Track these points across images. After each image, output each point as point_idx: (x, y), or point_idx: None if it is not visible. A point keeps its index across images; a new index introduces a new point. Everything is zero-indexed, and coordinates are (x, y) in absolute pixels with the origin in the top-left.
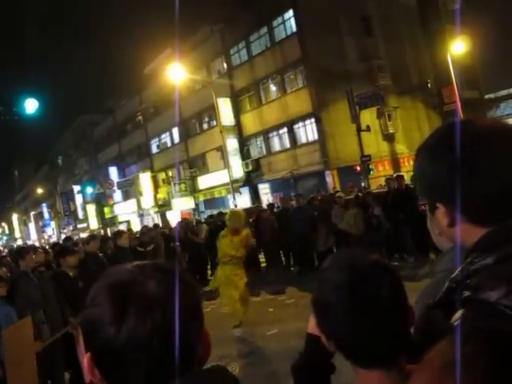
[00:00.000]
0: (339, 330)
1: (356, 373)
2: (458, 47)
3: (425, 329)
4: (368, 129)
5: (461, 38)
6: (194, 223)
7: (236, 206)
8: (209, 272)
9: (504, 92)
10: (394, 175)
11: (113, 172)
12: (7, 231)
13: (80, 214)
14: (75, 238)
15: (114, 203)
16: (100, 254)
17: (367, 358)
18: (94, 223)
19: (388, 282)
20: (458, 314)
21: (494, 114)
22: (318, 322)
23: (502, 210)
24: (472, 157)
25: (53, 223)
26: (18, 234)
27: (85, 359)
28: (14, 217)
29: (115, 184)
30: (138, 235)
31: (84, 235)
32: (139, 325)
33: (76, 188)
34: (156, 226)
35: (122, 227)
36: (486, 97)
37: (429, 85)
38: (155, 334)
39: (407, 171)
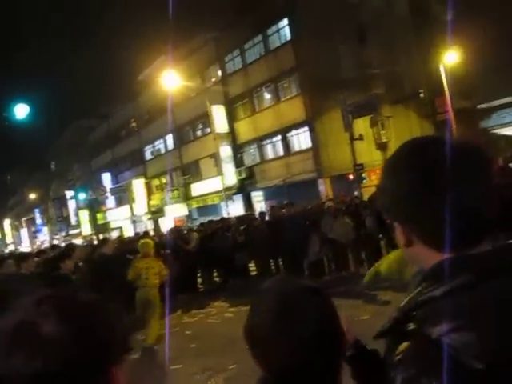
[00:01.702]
0: (267, 354)
1: None
2: (451, 57)
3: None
4: (361, 137)
5: (453, 49)
6: (185, 231)
7: (229, 213)
8: (199, 280)
9: (496, 102)
10: None
11: (106, 178)
12: None
13: (73, 220)
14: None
15: (107, 209)
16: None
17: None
18: (86, 229)
19: (315, 307)
20: (403, 346)
21: (486, 124)
22: (249, 346)
23: (459, 236)
24: (429, 178)
25: (45, 229)
26: (9, 240)
27: None
28: (6, 222)
29: (108, 190)
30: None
31: (77, 241)
32: (23, 367)
33: (69, 194)
34: (146, 233)
35: (115, 234)
36: (479, 107)
37: (421, 94)
38: (36, 379)
39: None
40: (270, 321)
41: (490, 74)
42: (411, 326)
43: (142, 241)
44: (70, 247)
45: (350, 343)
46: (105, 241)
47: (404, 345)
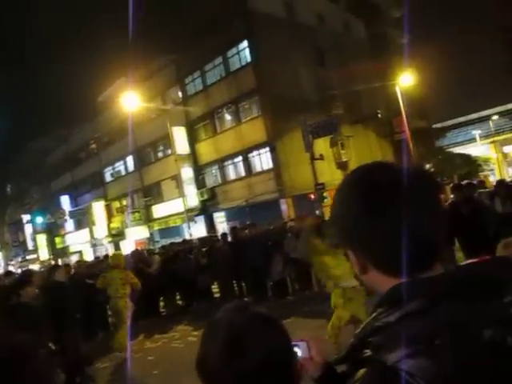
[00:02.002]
0: None
1: None
2: (407, 79)
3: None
4: (321, 157)
5: (409, 71)
6: (146, 254)
7: (191, 234)
8: (161, 304)
9: (450, 122)
10: None
11: (65, 201)
12: None
13: (29, 245)
14: (18, 270)
15: (66, 233)
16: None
17: None
18: (44, 254)
19: (265, 338)
20: (360, 373)
21: (441, 143)
22: (200, 378)
23: (409, 261)
24: (376, 205)
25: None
26: None
27: None
28: None
29: (67, 213)
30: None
31: (34, 266)
32: None
33: (26, 217)
34: (107, 256)
35: (74, 258)
36: (434, 126)
37: (379, 115)
38: None
39: None
40: (218, 353)
41: (444, 95)
42: (367, 353)
43: (113, 252)
44: (29, 273)
45: (319, 364)
46: (56, 267)
47: (361, 372)
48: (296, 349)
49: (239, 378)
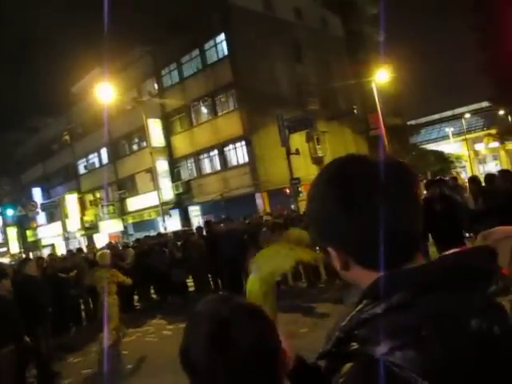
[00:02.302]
0: (201, 380)
1: None
2: (382, 76)
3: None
4: (297, 152)
5: (385, 68)
6: (121, 247)
7: (166, 228)
8: (135, 297)
9: (424, 119)
10: None
11: (36, 193)
12: None
13: None
14: None
15: (38, 226)
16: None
17: None
18: (15, 247)
19: (251, 330)
20: (346, 368)
21: (415, 140)
22: (184, 370)
23: (389, 254)
24: (352, 199)
25: None
26: None
27: None
28: None
29: (39, 206)
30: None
31: (4, 260)
32: None
33: None
34: (80, 250)
35: (46, 251)
36: (408, 123)
37: (355, 111)
38: None
39: None
40: (203, 345)
41: (418, 93)
42: (354, 346)
43: (99, 252)
44: (4, 266)
45: (290, 358)
46: (26, 261)
47: (347, 366)
48: None
49: (224, 369)
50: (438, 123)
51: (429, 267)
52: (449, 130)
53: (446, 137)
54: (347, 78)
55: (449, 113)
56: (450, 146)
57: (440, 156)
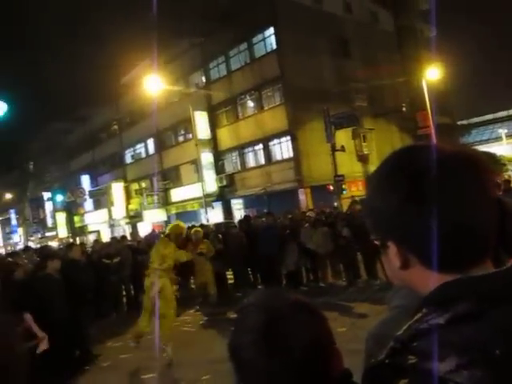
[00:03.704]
0: (251, 375)
1: None
2: (433, 73)
3: None
4: (343, 149)
5: (436, 65)
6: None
7: (208, 220)
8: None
9: (476, 119)
10: (357, 198)
11: (85, 180)
12: None
13: (49, 222)
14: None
15: (85, 212)
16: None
17: None
18: (63, 232)
19: (305, 323)
20: (402, 383)
21: (466, 140)
22: (233, 366)
23: (457, 255)
24: (419, 192)
25: (20, 230)
26: None
27: None
28: None
29: (86, 192)
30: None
31: (52, 244)
32: None
33: (46, 195)
34: (123, 237)
35: (92, 237)
36: (459, 123)
37: (403, 109)
38: None
39: None
40: (253, 338)
41: (470, 91)
42: (412, 360)
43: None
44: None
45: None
46: (71, 245)
47: (403, 382)
48: None
49: (273, 363)
50: (490, 124)
51: (503, 275)
52: (502, 131)
53: (498, 138)
54: (396, 74)
55: (503, 113)
56: (503, 148)
57: (492, 158)
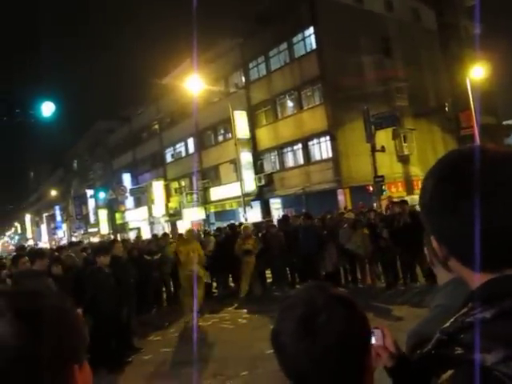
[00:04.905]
0: (286, 361)
1: None
2: (478, 72)
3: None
4: (383, 149)
5: (480, 63)
6: (202, 235)
7: (246, 219)
8: (213, 284)
9: None
10: (395, 199)
11: (126, 178)
12: (20, 231)
13: (91, 219)
14: (85, 241)
15: (126, 209)
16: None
17: None
18: (104, 228)
19: (343, 317)
20: (447, 374)
21: (511, 141)
22: (274, 350)
23: (499, 256)
24: (463, 192)
25: (64, 226)
26: (29, 235)
27: None
28: (27, 217)
29: (128, 190)
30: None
31: (95, 240)
32: None
33: (89, 192)
34: (165, 234)
35: (133, 234)
36: (504, 123)
37: (446, 108)
38: None
39: None
40: (293, 328)
41: None
42: (458, 351)
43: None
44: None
45: (393, 353)
46: (113, 242)
47: (450, 372)
48: (371, 336)
49: (310, 353)
50: None
51: None
52: None
53: None
54: (438, 73)
55: None
56: None
57: None
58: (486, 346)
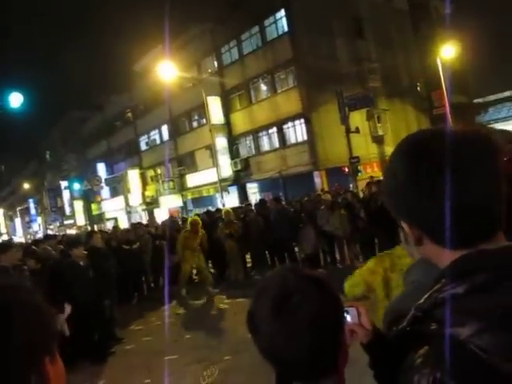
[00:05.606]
0: (262, 342)
1: None
2: (448, 52)
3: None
4: (357, 130)
5: (451, 43)
6: (180, 222)
7: (224, 204)
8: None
9: (492, 97)
10: (374, 179)
11: (101, 168)
12: None
13: (67, 211)
14: (61, 233)
15: (102, 200)
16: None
17: (288, 374)
18: (80, 219)
19: (315, 298)
20: (424, 350)
21: (482, 119)
22: (249, 331)
23: (467, 232)
24: (429, 173)
25: (39, 219)
26: (3, 230)
27: None
28: (0, 212)
29: (103, 180)
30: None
31: (71, 232)
32: None
33: (63, 184)
34: (140, 223)
35: (110, 224)
36: (475, 101)
37: (418, 88)
38: None
39: None
40: (267, 309)
41: (486, 69)
42: (433, 326)
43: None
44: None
45: (369, 330)
46: (92, 233)
47: (426, 347)
48: (345, 314)
49: (283, 334)
50: (508, 101)
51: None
52: None
53: None
54: (410, 53)
55: None
56: None
57: (509, 136)
58: (460, 321)
